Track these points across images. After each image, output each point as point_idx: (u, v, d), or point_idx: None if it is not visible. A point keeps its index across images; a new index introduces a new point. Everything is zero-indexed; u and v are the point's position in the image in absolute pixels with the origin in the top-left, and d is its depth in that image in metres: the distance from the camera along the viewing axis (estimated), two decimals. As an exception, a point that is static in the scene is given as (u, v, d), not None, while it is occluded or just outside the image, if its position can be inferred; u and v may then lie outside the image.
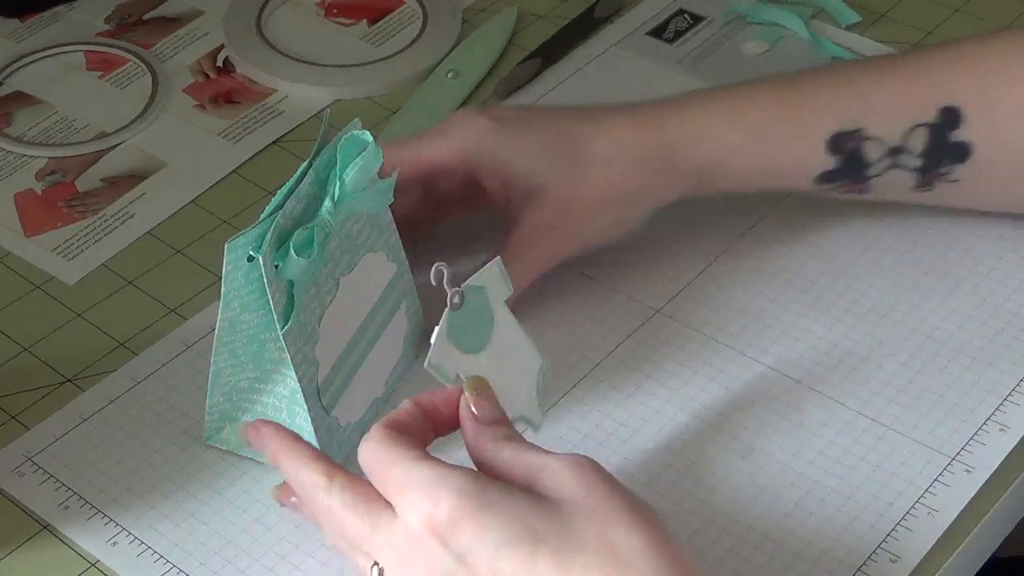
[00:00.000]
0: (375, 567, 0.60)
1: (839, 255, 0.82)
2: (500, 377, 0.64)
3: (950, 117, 0.76)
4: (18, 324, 0.81)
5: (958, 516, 0.69)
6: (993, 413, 0.73)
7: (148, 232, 0.86)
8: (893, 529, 0.68)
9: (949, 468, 0.71)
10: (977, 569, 0.71)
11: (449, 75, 0.95)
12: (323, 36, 1.00)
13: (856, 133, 0.76)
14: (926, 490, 0.70)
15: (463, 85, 0.95)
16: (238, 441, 0.72)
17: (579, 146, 0.76)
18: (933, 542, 0.68)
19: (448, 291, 0.63)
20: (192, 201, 0.88)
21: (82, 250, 0.85)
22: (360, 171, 0.67)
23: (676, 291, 0.80)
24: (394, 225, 0.73)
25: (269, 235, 0.65)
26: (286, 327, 0.66)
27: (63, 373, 0.78)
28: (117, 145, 0.92)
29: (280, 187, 0.67)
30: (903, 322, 0.78)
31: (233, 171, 0.90)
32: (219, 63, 0.98)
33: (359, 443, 0.61)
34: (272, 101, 0.95)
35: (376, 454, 0.60)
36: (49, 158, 0.91)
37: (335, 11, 1.02)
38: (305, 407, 0.68)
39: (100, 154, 0.92)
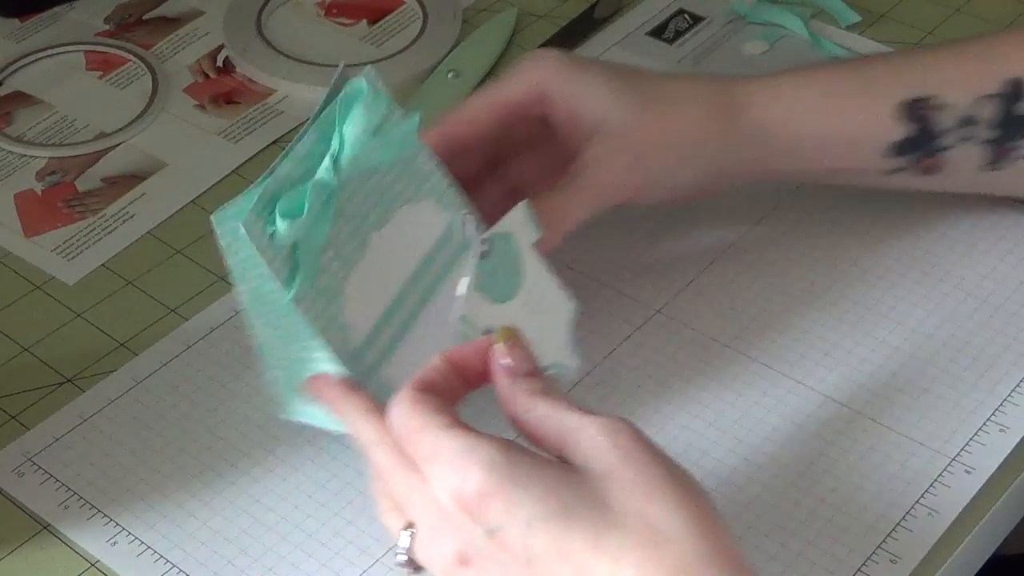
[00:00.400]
0: (410, 528, 0.58)
1: (840, 256, 0.82)
2: (532, 325, 0.61)
3: (1016, 89, 0.76)
4: (18, 324, 0.81)
5: (958, 517, 0.69)
6: (993, 413, 0.73)
7: (148, 232, 0.86)
8: (893, 530, 0.68)
9: (949, 468, 0.71)
10: (977, 569, 0.71)
11: (449, 75, 0.95)
12: (323, 36, 1.00)
13: (926, 101, 0.76)
14: (926, 490, 0.70)
15: (463, 85, 0.95)
16: (311, 410, 0.68)
17: (648, 86, 0.76)
18: (933, 543, 0.68)
19: (475, 239, 0.61)
20: (192, 201, 0.88)
21: (82, 250, 0.85)
22: (361, 120, 0.63)
23: (676, 291, 0.80)
24: (442, 170, 0.68)
25: (256, 201, 0.61)
26: (292, 293, 0.62)
27: (63, 373, 0.78)
28: (117, 145, 0.92)
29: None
30: (903, 322, 0.78)
31: (233, 171, 0.90)
32: (219, 63, 0.98)
33: None
34: (272, 101, 0.95)
35: (404, 420, 0.58)
36: (49, 158, 0.91)
37: (335, 11, 1.02)
38: (345, 370, 0.64)
39: (100, 154, 0.92)
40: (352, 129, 0.63)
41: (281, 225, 0.62)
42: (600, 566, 0.53)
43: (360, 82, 0.64)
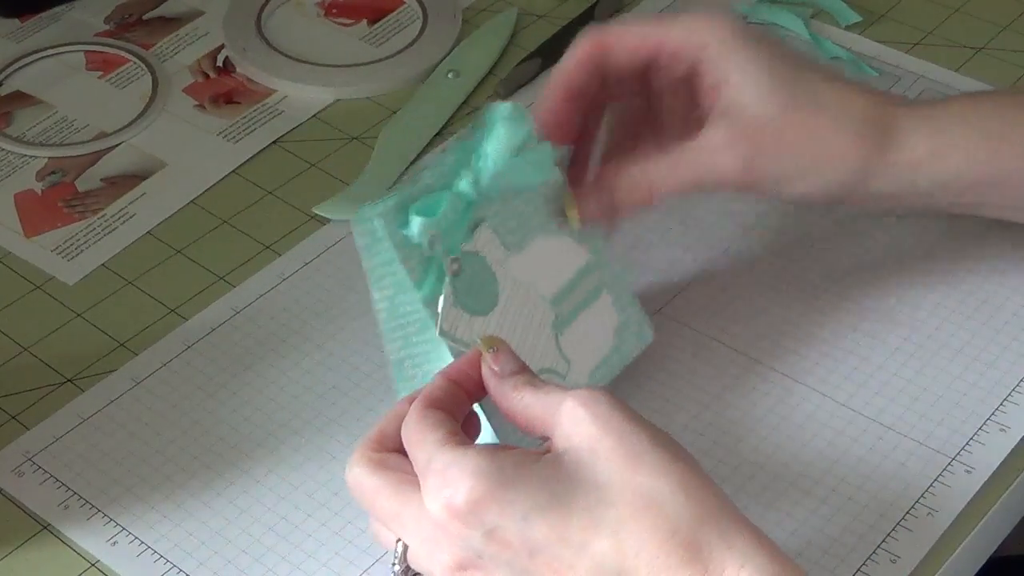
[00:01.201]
0: (399, 543, 0.60)
1: (840, 256, 0.82)
2: (516, 334, 0.64)
3: None
4: (18, 324, 0.81)
5: (958, 516, 0.69)
6: (993, 413, 0.73)
7: (148, 232, 0.86)
8: (893, 529, 0.68)
9: (949, 468, 0.71)
10: (977, 569, 0.71)
11: (449, 75, 0.95)
12: (323, 36, 1.00)
13: None
14: (926, 490, 0.70)
15: (463, 85, 0.95)
16: None
17: (803, 83, 0.72)
18: (933, 542, 0.68)
19: (445, 259, 0.64)
20: (192, 201, 0.88)
21: (82, 250, 0.85)
22: (504, 136, 0.66)
23: (676, 291, 0.80)
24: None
25: (394, 203, 0.64)
26: (424, 292, 0.65)
27: (63, 373, 0.78)
28: (117, 145, 0.92)
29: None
30: (903, 322, 0.78)
31: (233, 171, 0.90)
32: (219, 63, 0.98)
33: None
34: (272, 101, 0.95)
35: (407, 435, 0.60)
36: (49, 158, 0.91)
37: (335, 11, 1.02)
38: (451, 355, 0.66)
39: (100, 154, 0.92)
40: (494, 147, 0.66)
41: (414, 223, 0.64)
42: (601, 542, 0.55)
43: (504, 105, 0.67)
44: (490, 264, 0.66)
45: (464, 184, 0.66)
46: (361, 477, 0.60)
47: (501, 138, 0.66)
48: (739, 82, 0.71)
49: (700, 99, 0.73)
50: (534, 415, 0.60)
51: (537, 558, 0.56)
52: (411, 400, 0.62)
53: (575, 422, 0.57)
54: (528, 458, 0.57)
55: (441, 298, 0.63)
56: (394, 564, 0.61)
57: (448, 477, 0.57)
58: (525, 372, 0.62)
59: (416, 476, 0.59)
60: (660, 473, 0.55)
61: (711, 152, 0.71)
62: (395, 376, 0.69)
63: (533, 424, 0.60)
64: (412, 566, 0.60)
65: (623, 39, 0.72)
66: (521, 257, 0.69)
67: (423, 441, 0.59)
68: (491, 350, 0.62)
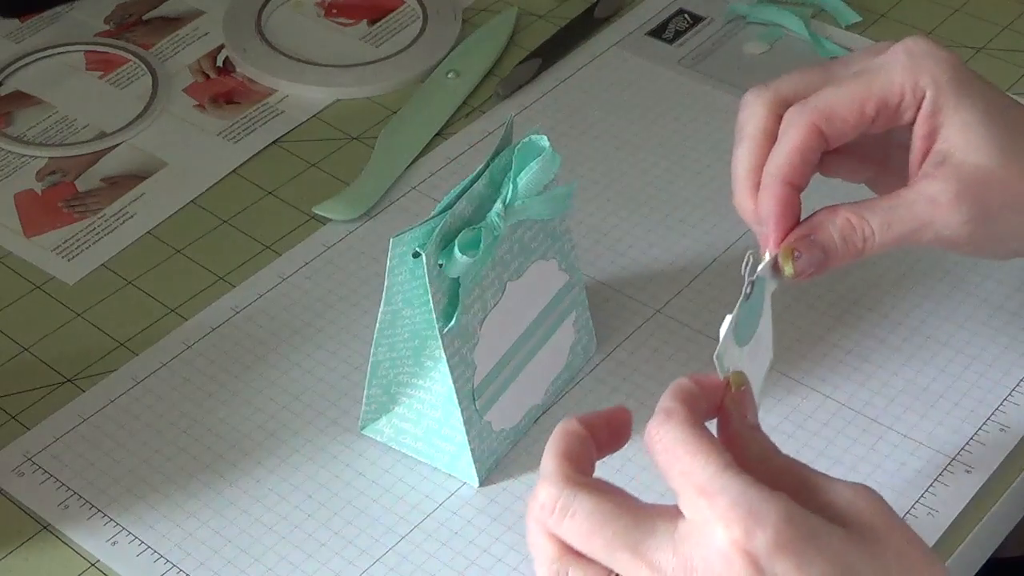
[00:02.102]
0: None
1: (839, 255, 0.82)
2: (751, 372, 0.60)
3: None
4: (18, 324, 0.81)
5: (958, 516, 0.69)
6: (993, 413, 0.73)
7: (148, 232, 0.86)
8: (893, 529, 0.68)
9: (949, 468, 0.71)
10: (977, 569, 0.71)
11: (449, 75, 0.95)
12: (323, 36, 1.00)
13: None
14: (926, 490, 0.70)
15: (463, 85, 0.95)
16: (393, 433, 0.72)
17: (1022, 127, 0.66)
18: (933, 542, 0.68)
19: (746, 279, 0.61)
20: (192, 201, 0.88)
21: (82, 250, 0.85)
22: (535, 176, 0.67)
23: (676, 291, 0.80)
24: (570, 235, 0.73)
25: (436, 233, 0.65)
26: (448, 326, 0.67)
27: (63, 373, 0.78)
28: (117, 145, 0.92)
29: (451, 187, 0.67)
30: (903, 322, 0.78)
31: (233, 171, 0.90)
32: (219, 63, 0.98)
33: (511, 449, 0.66)
34: (272, 101, 0.95)
35: (677, 434, 0.54)
36: (49, 158, 0.91)
37: (335, 11, 1.02)
38: (459, 408, 0.69)
39: (100, 154, 0.92)
40: (525, 182, 0.67)
41: (459, 258, 0.65)
42: None
43: (541, 140, 0.68)
44: (764, 292, 0.64)
45: (494, 216, 0.67)
46: (569, 504, 0.54)
47: (534, 174, 0.67)
48: (959, 125, 0.66)
49: (905, 142, 0.68)
50: (783, 486, 0.53)
51: None
52: (583, 422, 0.57)
53: (859, 512, 0.53)
54: (830, 522, 0.52)
55: (728, 318, 0.60)
56: None
57: (754, 511, 0.51)
58: (763, 432, 0.57)
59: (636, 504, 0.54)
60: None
61: (931, 205, 0.65)
62: (369, 375, 0.70)
63: (774, 479, 0.54)
64: None
65: (836, 113, 0.66)
66: (518, 283, 0.71)
67: (708, 454, 0.53)
68: (740, 388, 0.58)
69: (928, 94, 0.66)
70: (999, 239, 0.67)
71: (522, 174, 0.67)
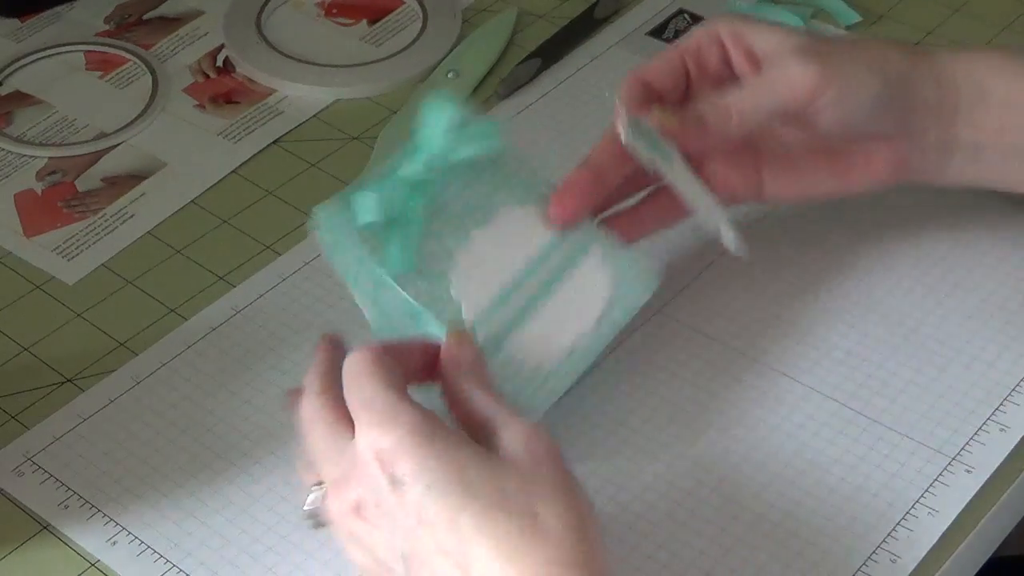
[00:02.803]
0: (320, 485, 0.62)
1: (840, 256, 0.82)
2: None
3: None
4: (18, 324, 0.81)
5: (958, 516, 0.69)
6: (993, 413, 0.73)
7: (148, 232, 0.86)
8: (893, 529, 0.68)
9: (949, 468, 0.71)
10: (977, 569, 0.71)
11: (449, 75, 0.95)
12: (323, 36, 1.00)
13: None
14: (926, 490, 0.70)
15: (463, 85, 0.95)
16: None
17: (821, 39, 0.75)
18: (933, 542, 0.68)
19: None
20: (192, 201, 0.88)
21: (82, 250, 0.85)
22: (434, 123, 0.69)
23: (676, 291, 0.80)
24: (551, 182, 0.74)
25: (339, 196, 0.67)
26: (390, 269, 0.67)
27: (63, 373, 0.78)
28: (117, 145, 0.92)
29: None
30: (903, 322, 0.78)
31: (233, 171, 0.90)
32: (219, 63, 0.98)
33: (577, 383, 0.68)
34: (272, 101, 0.95)
35: (354, 369, 0.61)
36: (49, 158, 0.91)
37: (335, 11, 1.02)
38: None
39: (100, 154, 0.92)
40: (428, 131, 0.69)
41: (358, 198, 0.67)
42: (481, 546, 0.57)
43: (425, 104, 0.70)
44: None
45: (403, 170, 0.68)
46: (356, 365, 0.61)
47: (433, 123, 0.69)
48: (763, 36, 0.74)
49: (746, 78, 0.75)
50: (475, 416, 0.62)
51: (421, 530, 0.58)
52: (413, 346, 0.65)
53: (513, 444, 0.59)
54: (461, 439, 0.59)
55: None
56: (309, 500, 0.62)
57: (384, 418, 0.59)
58: (481, 369, 0.64)
59: (351, 417, 0.61)
60: (560, 511, 0.57)
61: (784, 71, 0.73)
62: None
63: (471, 421, 0.62)
64: (319, 509, 0.62)
65: (651, 67, 0.76)
66: (487, 230, 0.71)
67: (371, 377, 0.60)
68: (454, 336, 0.65)
69: (722, 31, 0.75)
70: (846, 83, 0.73)
71: (423, 126, 0.69)
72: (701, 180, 0.75)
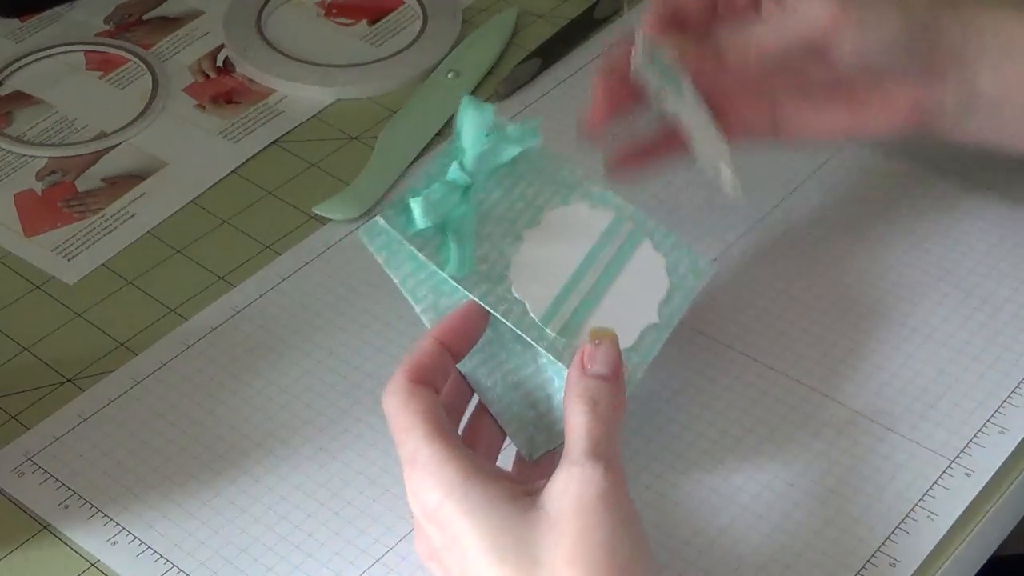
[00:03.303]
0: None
1: (839, 256, 0.82)
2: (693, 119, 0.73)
3: None
4: (18, 324, 0.81)
5: (957, 520, 0.69)
6: (992, 415, 0.73)
7: (148, 232, 0.86)
8: (892, 533, 0.68)
9: (948, 471, 0.71)
10: (975, 572, 0.71)
11: (449, 75, 0.95)
12: (323, 36, 1.00)
13: None
14: (925, 493, 0.70)
15: (463, 85, 0.95)
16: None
17: None
18: (932, 546, 0.68)
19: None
20: (192, 201, 0.88)
21: (82, 250, 0.85)
22: (471, 126, 0.69)
23: (676, 292, 0.80)
24: (593, 178, 0.74)
25: (391, 204, 0.67)
26: (450, 269, 0.67)
27: (63, 373, 0.78)
28: (117, 145, 0.92)
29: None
30: (903, 322, 0.78)
31: (233, 171, 0.90)
32: (219, 63, 0.98)
33: (639, 371, 0.68)
34: (272, 101, 0.95)
35: (395, 417, 0.62)
36: (49, 158, 0.91)
37: (335, 11, 1.02)
38: (527, 337, 0.68)
39: (100, 154, 0.92)
40: (467, 134, 0.69)
41: (414, 206, 0.67)
42: None
43: (465, 98, 0.70)
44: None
45: (453, 171, 0.68)
46: (395, 409, 0.63)
47: (470, 125, 0.69)
48: None
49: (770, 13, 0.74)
50: (569, 432, 0.61)
51: None
52: (436, 337, 0.65)
53: (560, 492, 0.59)
54: (499, 496, 0.60)
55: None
56: None
57: (425, 478, 0.60)
58: (606, 381, 0.63)
59: (437, 431, 0.62)
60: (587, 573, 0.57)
61: (805, 4, 0.72)
62: (506, 422, 0.69)
63: (566, 434, 0.62)
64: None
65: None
66: (538, 231, 0.71)
67: (413, 428, 0.62)
68: (595, 341, 0.64)
69: None
70: (860, 23, 0.72)
71: (463, 131, 0.69)
72: (711, 114, 0.74)
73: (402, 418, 0.62)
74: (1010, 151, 0.78)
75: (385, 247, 0.68)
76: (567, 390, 0.63)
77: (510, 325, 0.68)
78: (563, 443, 0.62)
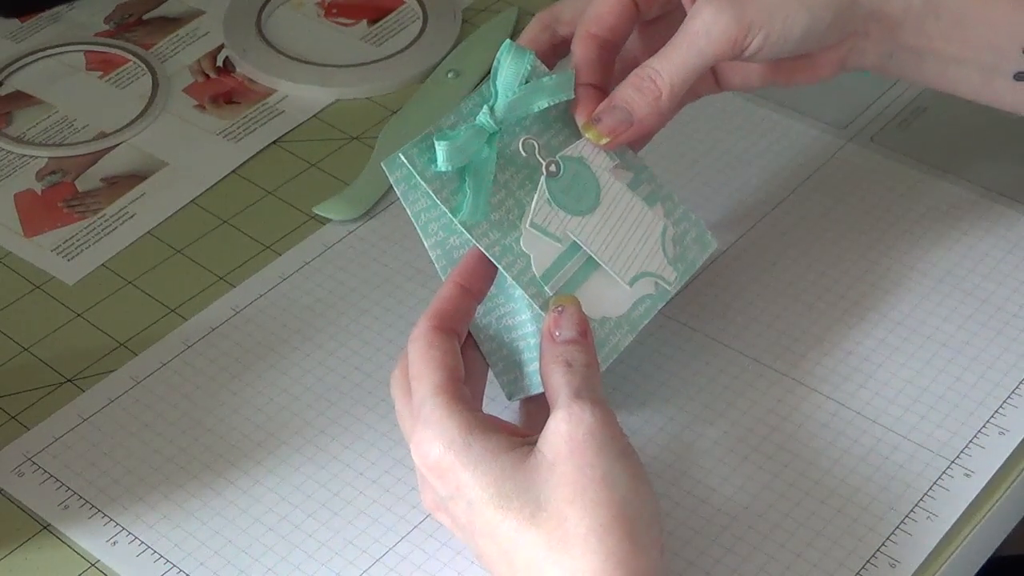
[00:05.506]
0: None
1: (840, 256, 0.82)
2: (616, 237, 0.71)
3: None
4: (18, 324, 0.81)
5: (957, 521, 0.69)
6: (992, 416, 0.73)
7: (148, 232, 0.86)
8: (892, 533, 0.68)
9: (948, 472, 0.71)
10: (975, 572, 0.71)
11: (449, 75, 0.95)
12: (323, 36, 1.00)
13: None
14: (925, 494, 0.70)
15: (463, 85, 0.95)
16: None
17: None
18: (932, 547, 0.68)
19: (543, 162, 0.70)
20: (192, 201, 0.88)
21: (82, 250, 0.85)
22: (508, 72, 0.69)
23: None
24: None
25: (416, 141, 0.67)
26: (461, 216, 0.67)
27: (63, 373, 0.78)
28: (117, 145, 0.92)
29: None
30: (903, 323, 0.78)
31: (233, 171, 0.90)
32: (219, 63, 0.98)
33: (624, 344, 0.69)
34: (272, 101, 0.95)
35: (413, 361, 0.64)
36: (49, 158, 0.91)
37: (335, 11, 1.02)
38: (525, 293, 0.68)
39: (100, 154, 0.92)
40: (503, 79, 0.69)
41: (439, 149, 0.67)
42: (520, 554, 0.59)
43: (505, 43, 0.70)
44: (593, 170, 0.71)
45: (482, 117, 0.68)
46: (414, 355, 0.64)
47: (507, 71, 0.69)
48: None
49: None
50: (550, 391, 0.63)
51: (475, 537, 0.62)
52: (457, 281, 0.67)
53: (553, 434, 0.61)
54: (498, 447, 0.61)
55: (536, 194, 0.69)
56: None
57: (428, 434, 0.62)
58: (576, 345, 0.64)
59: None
60: (589, 512, 0.58)
61: (702, 23, 0.69)
62: (483, 349, 0.70)
63: (548, 394, 0.63)
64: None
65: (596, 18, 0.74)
66: (559, 181, 0.71)
67: (424, 378, 0.63)
68: (557, 308, 0.65)
69: None
70: (767, 25, 0.70)
71: (498, 75, 0.69)
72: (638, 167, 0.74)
73: (417, 366, 0.64)
74: (935, 89, 0.77)
75: (404, 180, 0.68)
76: (542, 360, 0.64)
77: (510, 279, 0.68)
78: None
